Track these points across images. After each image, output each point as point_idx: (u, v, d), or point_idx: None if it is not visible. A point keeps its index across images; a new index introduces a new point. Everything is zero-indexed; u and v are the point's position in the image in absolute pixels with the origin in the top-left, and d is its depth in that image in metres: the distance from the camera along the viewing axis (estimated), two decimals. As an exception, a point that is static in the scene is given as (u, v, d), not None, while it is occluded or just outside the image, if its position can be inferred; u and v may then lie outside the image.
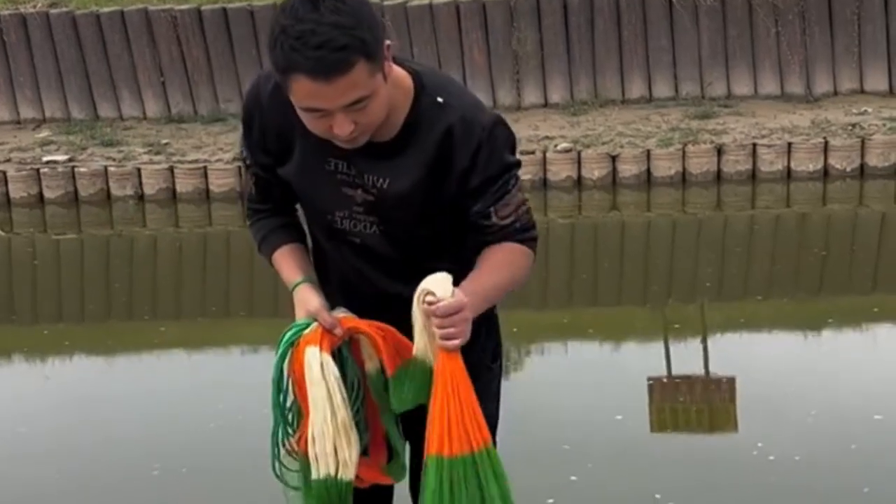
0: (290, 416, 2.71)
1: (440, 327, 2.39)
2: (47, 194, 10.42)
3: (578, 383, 5.78)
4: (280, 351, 2.62)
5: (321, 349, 2.55)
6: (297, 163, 2.56)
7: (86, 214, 10.19)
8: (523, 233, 2.60)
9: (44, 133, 11.95)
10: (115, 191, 10.41)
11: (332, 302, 2.68)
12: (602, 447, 4.97)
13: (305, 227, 2.80)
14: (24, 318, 7.79)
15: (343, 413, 2.56)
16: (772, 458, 4.72)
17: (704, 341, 6.46)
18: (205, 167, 10.35)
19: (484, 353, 2.77)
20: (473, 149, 2.48)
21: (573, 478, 4.63)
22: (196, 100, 12.46)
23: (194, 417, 5.36)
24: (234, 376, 5.97)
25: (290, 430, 2.71)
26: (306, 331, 2.59)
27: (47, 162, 10.66)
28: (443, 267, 2.56)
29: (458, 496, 2.47)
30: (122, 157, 10.82)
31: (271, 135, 2.57)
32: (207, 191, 10.28)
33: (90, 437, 5.26)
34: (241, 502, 4.52)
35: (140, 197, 10.38)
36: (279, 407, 2.70)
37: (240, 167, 10.15)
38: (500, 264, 2.56)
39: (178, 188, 10.35)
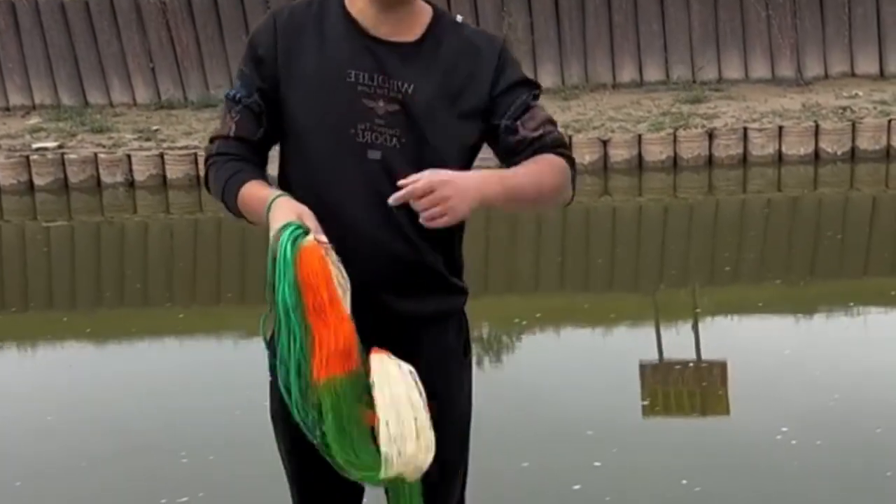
0: (303, 339, 2.35)
1: (423, 209, 2.33)
2: (37, 181, 10.39)
3: (586, 368, 5.76)
4: (285, 253, 2.32)
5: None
6: (311, 79, 2.50)
7: (76, 201, 10.17)
8: (557, 147, 2.56)
9: (33, 120, 11.92)
10: (105, 177, 10.38)
11: None
12: (625, 432, 4.95)
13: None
14: (18, 305, 7.76)
15: (424, 416, 2.37)
16: (794, 442, 4.73)
17: (696, 325, 6.47)
18: (195, 153, 10.32)
19: (455, 345, 2.71)
20: (496, 59, 2.55)
21: (597, 463, 4.61)
22: (186, 86, 12.44)
23: (218, 405, 5.31)
24: (253, 363, 5.92)
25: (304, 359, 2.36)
26: (306, 241, 2.32)
27: (37, 149, 10.63)
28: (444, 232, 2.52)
29: None
30: (111, 143, 10.79)
31: (283, 55, 2.53)
32: (198, 177, 10.26)
33: (116, 427, 5.22)
34: (269, 489, 4.48)
35: (130, 183, 10.36)
36: (294, 332, 2.34)
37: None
38: (531, 170, 2.51)
39: (169, 174, 10.33)
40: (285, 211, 2.40)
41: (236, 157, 2.60)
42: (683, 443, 4.86)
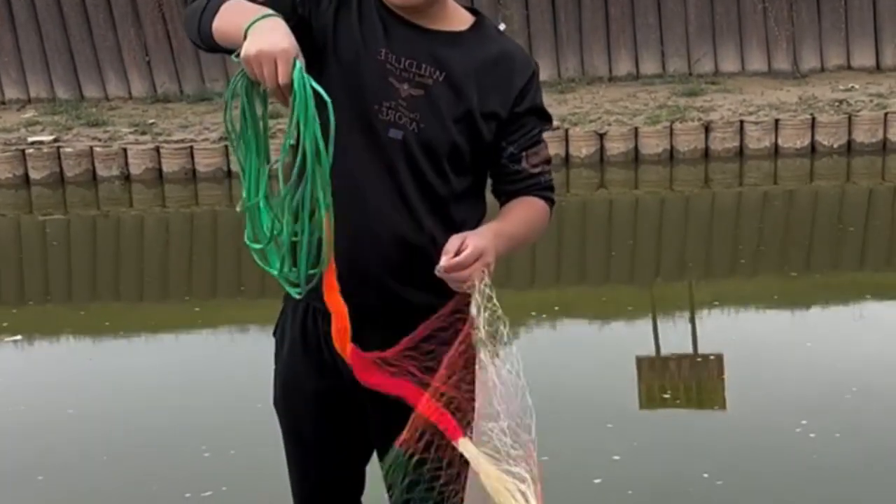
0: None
1: (467, 277, 2.35)
2: (33, 175, 10.37)
3: (594, 361, 5.75)
4: (307, 98, 2.22)
5: None
6: (344, 51, 2.46)
7: (72, 195, 10.16)
8: (548, 191, 2.65)
9: (29, 113, 11.89)
10: (101, 171, 10.37)
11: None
12: (644, 426, 4.96)
13: None
14: (16, 299, 7.75)
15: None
16: (812, 435, 4.72)
17: (692, 319, 6.47)
18: (191, 147, 10.31)
19: None
20: (528, 75, 2.58)
21: (616, 457, 4.59)
22: (182, 79, 12.42)
23: (237, 399, 5.29)
24: (271, 356, 5.88)
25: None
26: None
27: (32, 142, 10.61)
28: (457, 213, 2.52)
29: None
30: (107, 137, 10.77)
31: (334, 13, 2.47)
32: (194, 170, 10.25)
33: (135, 422, 5.20)
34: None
35: (126, 177, 10.34)
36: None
37: (227, 146, 10.12)
38: (525, 220, 2.61)
39: (165, 168, 10.31)
40: (285, 36, 2.26)
41: None
42: (701, 436, 4.85)
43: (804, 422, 4.82)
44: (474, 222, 2.60)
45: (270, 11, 2.32)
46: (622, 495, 4.26)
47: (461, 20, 2.56)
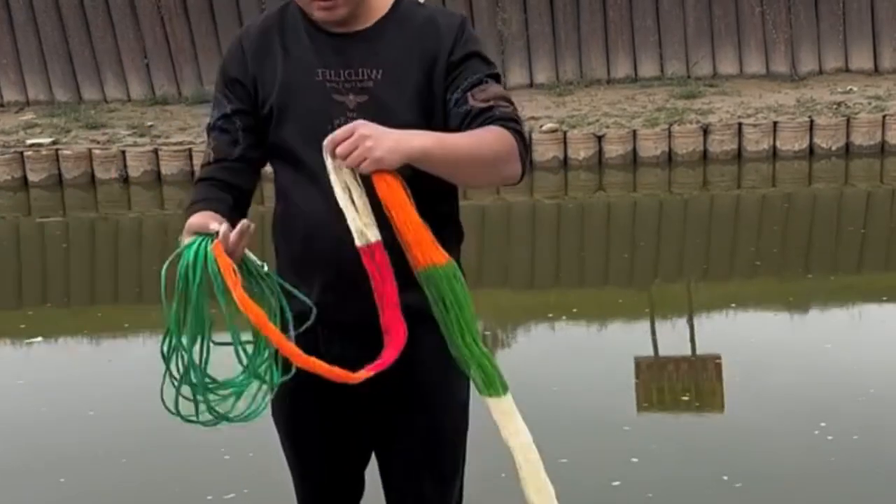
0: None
1: (343, 156, 2.26)
2: (31, 177, 10.37)
3: (601, 363, 5.73)
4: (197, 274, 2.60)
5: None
6: (284, 87, 2.51)
7: (70, 197, 10.16)
8: (507, 121, 2.44)
9: (27, 116, 11.89)
10: (100, 173, 10.37)
11: (291, 265, 2.60)
12: (662, 428, 4.95)
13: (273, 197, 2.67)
14: (13, 301, 7.75)
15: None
16: (830, 437, 4.70)
17: (691, 320, 6.47)
18: (189, 149, 10.32)
19: (444, 345, 2.49)
20: (455, 30, 2.51)
21: (634, 459, 4.56)
22: (180, 81, 12.42)
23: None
24: None
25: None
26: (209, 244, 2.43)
27: (31, 145, 10.62)
28: (432, 210, 2.43)
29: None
30: (106, 139, 10.78)
31: (257, 75, 2.55)
32: (192, 172, 10.24)
33: (156, 423, 5.15)
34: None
35: (125, 179, 10.34)
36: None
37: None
38: (471, 134, 2.42)
39: (163, 170, 10.32)
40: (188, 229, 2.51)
41: (213, 180, 2.59)
42: (719, 439, 4.83)
43: (823, 424, 4.81)
44: (453, 218, 2.60)
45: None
46: (641, 498, 4.24)
47: (382, 6, 2.54)
